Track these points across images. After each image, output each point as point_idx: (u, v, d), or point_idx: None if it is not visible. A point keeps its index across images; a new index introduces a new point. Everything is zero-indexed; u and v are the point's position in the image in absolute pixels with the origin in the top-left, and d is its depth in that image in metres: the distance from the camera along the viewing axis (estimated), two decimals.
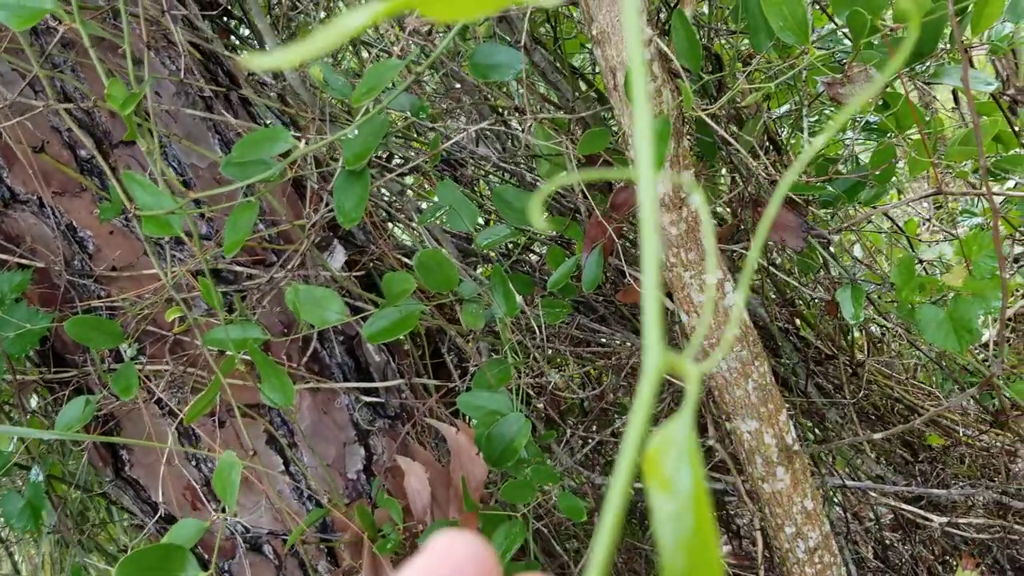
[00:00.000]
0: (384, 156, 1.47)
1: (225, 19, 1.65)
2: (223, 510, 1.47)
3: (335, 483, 1.40)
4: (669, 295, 1.24)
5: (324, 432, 1.43)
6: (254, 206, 1.03)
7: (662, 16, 1.12)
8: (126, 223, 1.40)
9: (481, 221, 1.69)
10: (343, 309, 1.17)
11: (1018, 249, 1.30)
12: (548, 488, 1.23)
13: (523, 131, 1.19)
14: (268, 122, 1.48)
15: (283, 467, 1.39)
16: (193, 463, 1.44)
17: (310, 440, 1.40)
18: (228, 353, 1.19)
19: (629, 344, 1.44)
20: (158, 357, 1.40)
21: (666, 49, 1.05)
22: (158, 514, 1.40)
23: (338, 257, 1.39)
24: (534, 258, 1.72)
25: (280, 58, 0.20)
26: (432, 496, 1.14)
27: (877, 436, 1.00)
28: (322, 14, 1.36)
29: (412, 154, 1.32)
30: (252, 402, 1.38)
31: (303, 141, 1.28)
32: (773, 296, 1.32)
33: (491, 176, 1.56)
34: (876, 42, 1.03)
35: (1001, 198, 1.22)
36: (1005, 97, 3.06)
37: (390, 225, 1.63)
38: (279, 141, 0.90)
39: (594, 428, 1.58)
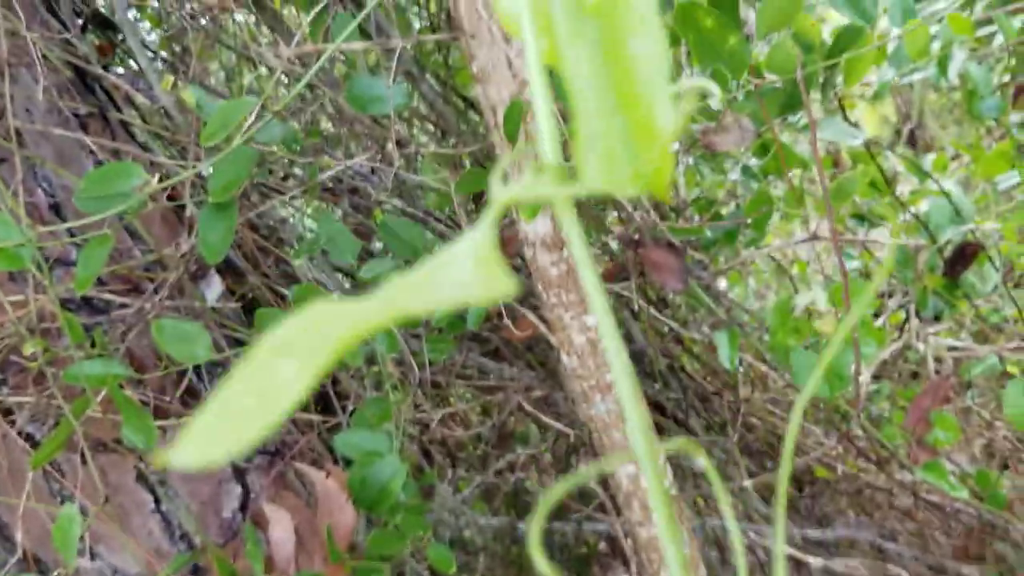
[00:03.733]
0: (272, 175, 1.42)
1: (109, 32, 1.58)
2: (91, 549, 1.40)
3: (208, 523, 1.34)
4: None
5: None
6: (108, 239, 0.98)
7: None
8: None
9: (379, 245, 1.66)
10: (211, 345, 1.13)
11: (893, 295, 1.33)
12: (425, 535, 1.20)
13: (408, 162, 1.16)
14: (143, 140, 1.42)
15: (153, 505, 1.33)
16: (58, 499, 1.36)
17: (183, 477, 1.34)
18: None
19: (519, 379, 1.42)
20: (21, 387, 1.32)
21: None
22: (19, 555, 1.32)
23: (215, 286, 1.34)
24: None
25: None
26: (300, 544, 1.10)
27: (747, 483, 1.00)
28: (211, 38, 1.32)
29: (295, 176, 1.28)
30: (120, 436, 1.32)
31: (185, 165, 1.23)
32: (657, 333, 1.32)
33: (384, 202, 1.53)
34: (744, 96, 1.03)
35: (882, 244, 1.24)
36: (905, 131, 3.15)
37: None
38: (132, 176, 0.85)
39: (488, 464, 1.56)
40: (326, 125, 1.77)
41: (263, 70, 1.81)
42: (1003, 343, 1.93)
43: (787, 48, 1.00)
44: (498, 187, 0.19)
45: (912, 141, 3.48)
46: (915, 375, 1.68)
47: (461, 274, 0.21)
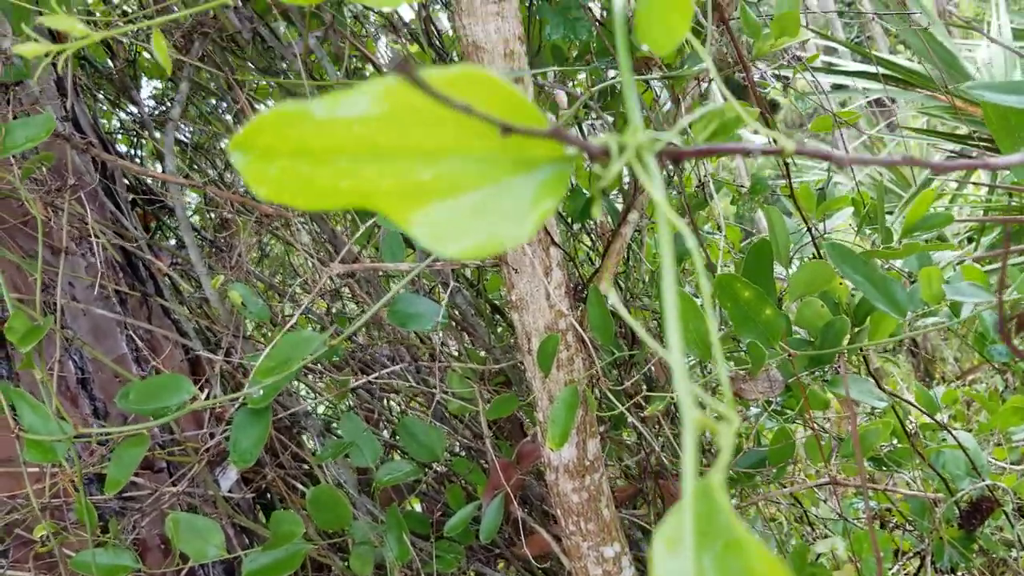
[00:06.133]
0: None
1: (156, 207, 1.65)
2: None
3: None
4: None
5: None
6: (145, 440, 0.99)
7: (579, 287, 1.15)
8: (12, 410, 1.33)
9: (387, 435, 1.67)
10: (223, 543, 1.12)
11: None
12: None
13: (437, 373, 1.18)
14: (177, 318, 1.46)
15: None
16: None
17: None
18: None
19: None
20: (22, 563, 1.30)
21: (578, 327, 1.08)
22: None
23: (230, 475, 1.34)
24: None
25: None
26: None
27: None
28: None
29: (321, 384, 1.30)
30: None
31: (216, 354, 1.25)
32: None
33: (403, 395, 1.55)
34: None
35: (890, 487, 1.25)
36: (907, 341, 3.20)
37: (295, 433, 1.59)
38: (180, 391, 0.88)
39: None
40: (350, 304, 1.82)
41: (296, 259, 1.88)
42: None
43: (815, 306, 1.04)
44: None
45: (914, 351, 3.54)
46: None
47: None
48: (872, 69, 1.91)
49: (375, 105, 0.25)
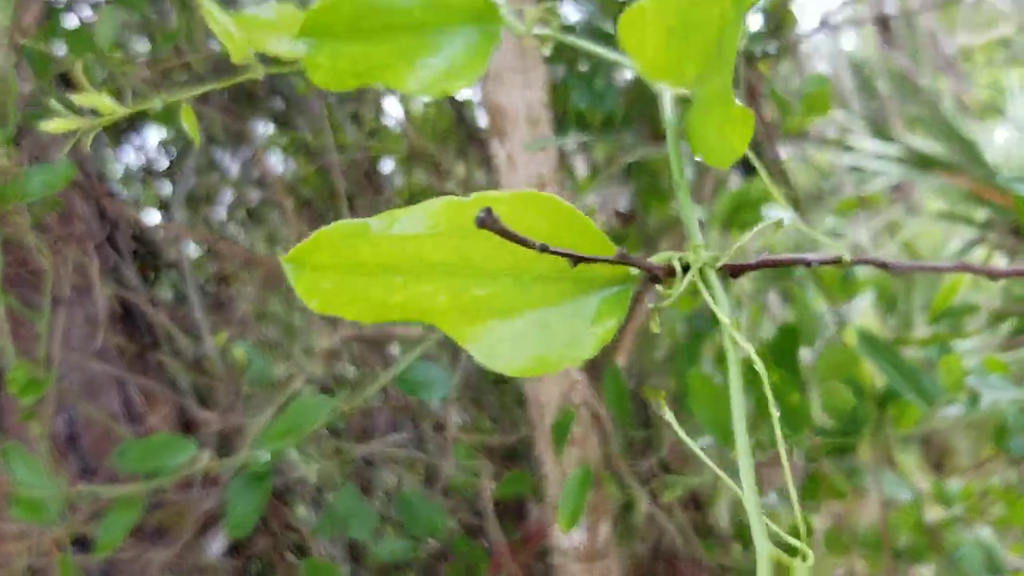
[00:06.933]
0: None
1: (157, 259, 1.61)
2: None
3: None
4: None
5: None
6: (138, 504, 0.94)
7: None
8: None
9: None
10: None
11: None
12: None
13: (447, 444, 1.14)
14: (173, 375, 1.41)
15: None
16: None
17: None
18: None
19: None
20: None
21: (594, 402, 1.04)
22: None
23: (220, 539, 1.28)
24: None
25: None
26: None
27: None
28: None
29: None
30: None
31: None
32: None
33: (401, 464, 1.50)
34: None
35: None
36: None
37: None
38: (182, 452, 0.84)
39: None
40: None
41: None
42: None
43: (841, 392, 1.01)
44: None
45: (925, 439, 3.50)
46: None
47: None
48: (890, 151, 1.91)
49: (432, 223, 0.25)
